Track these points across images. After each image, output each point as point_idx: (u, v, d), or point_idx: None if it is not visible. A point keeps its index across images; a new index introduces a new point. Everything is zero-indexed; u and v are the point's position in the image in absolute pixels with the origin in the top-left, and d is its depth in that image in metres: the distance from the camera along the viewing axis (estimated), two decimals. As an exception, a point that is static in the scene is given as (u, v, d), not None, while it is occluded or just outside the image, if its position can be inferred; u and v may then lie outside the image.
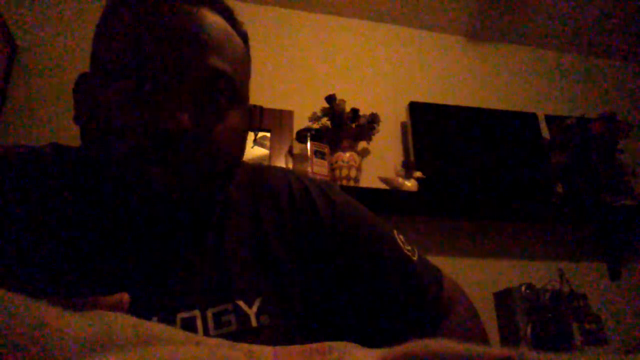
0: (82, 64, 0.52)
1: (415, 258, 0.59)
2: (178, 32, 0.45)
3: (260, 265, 0.52)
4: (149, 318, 0.43)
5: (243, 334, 0.46)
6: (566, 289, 1.59)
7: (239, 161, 0.52)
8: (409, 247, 0.60)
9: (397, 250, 0.58)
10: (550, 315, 1.51)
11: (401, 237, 0.61)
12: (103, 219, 0.49)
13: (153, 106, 0.43)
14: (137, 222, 0.48)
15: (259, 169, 0.62)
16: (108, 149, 0.44)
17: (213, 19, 0.48)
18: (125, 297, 0.35)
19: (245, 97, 0.53)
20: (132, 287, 0.45)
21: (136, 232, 0.49)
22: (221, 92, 0.47)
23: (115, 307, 0.34)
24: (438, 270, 0.62)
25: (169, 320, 0.44)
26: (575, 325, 1.50)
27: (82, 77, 0.52)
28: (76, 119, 0.50)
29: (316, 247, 0.55)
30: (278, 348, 0.22)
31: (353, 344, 0.23)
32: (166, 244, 0.50)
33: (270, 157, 1.72)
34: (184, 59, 0.44)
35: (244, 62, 0.52)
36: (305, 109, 1.75)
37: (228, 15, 0.51)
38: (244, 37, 0.54)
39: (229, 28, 0.50)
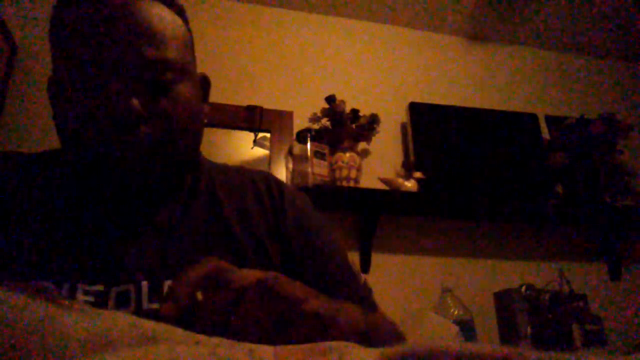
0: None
1: (360, 281, 0.62)
2: (114, 25, 0.48)
3: (220, 247, 0.55)
4: (76, 288, 0.47)
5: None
6: (566, 289, 1.59)
7: (197, 127, 0.56)
8: (357, 270, 0.63)
9: (345, 266, 0.61)
10: (550, 315, 1.51)
11: (355, 263, 0.64)
12: (79, 198, 0.54)
13: (104, 96, 0.47)
14: (105, 199, 0.52)
15: (241, 168, 0.67)
16: (73, 140, 0.49)
17: (146, 6, 0.51)
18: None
19: (192, 70, 0.56)
20: (84, 258, 0.49)
21: (100, 209, 0.53)
22: (162, 74, 0.50)
23: None
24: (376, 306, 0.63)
25: (103, 293, 0.47)
26: (575, 326, 1.49)
27: (49, 79, 0.57)
28: (54, 119, 0.55)
29: (280, 243, 0.59)
30: (278, 347, 0.22)
31: (353, 344, 0.23)
32: (129, 218, 0.54)
33: (270, 157, 1.72)
34: (121, 50, 0.48)
35: (184, 38, 0.55)
36: (305, 109, 1.75)
37: None
38: (180, 12, 0.57)
39: (165, 10, 0.53)
